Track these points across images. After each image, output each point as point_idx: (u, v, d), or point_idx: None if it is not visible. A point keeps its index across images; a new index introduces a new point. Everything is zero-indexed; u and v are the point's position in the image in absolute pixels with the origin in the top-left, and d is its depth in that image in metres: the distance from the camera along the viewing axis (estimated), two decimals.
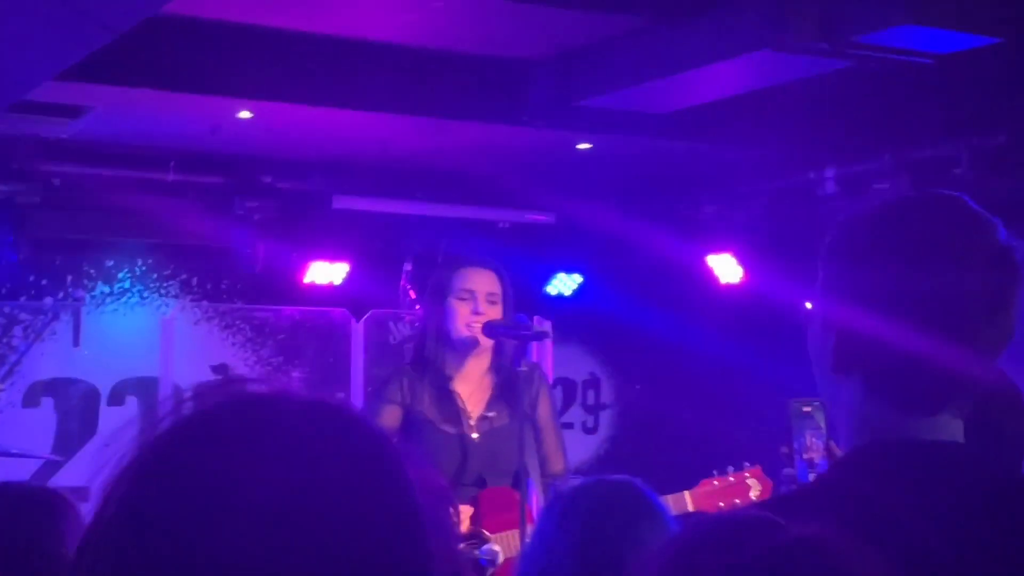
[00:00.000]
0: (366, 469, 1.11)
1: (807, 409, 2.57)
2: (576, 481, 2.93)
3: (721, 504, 4.87)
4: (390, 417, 4.86)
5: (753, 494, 4.91)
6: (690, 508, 4.81)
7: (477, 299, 4.86)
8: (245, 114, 6.66)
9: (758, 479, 4.95)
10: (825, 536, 1.22)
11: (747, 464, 4.98)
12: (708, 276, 8.29)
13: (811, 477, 2.58)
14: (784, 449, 2.59)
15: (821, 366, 1.85)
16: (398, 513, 1.11)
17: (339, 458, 1.10)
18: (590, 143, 7.36)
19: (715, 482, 4.91)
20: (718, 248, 8.19)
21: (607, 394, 9.69)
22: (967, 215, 1.79)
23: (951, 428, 1.76)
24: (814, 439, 2.52)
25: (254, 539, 1.04)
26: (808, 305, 1.88)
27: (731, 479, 4.93)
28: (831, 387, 1.84)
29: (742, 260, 8.15)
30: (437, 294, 4.95)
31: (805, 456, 2.52)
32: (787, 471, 2.65)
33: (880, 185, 6.99)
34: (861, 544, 1.22)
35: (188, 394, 1.14)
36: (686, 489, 4.85)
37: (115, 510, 1.09)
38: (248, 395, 1.14)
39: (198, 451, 1.09)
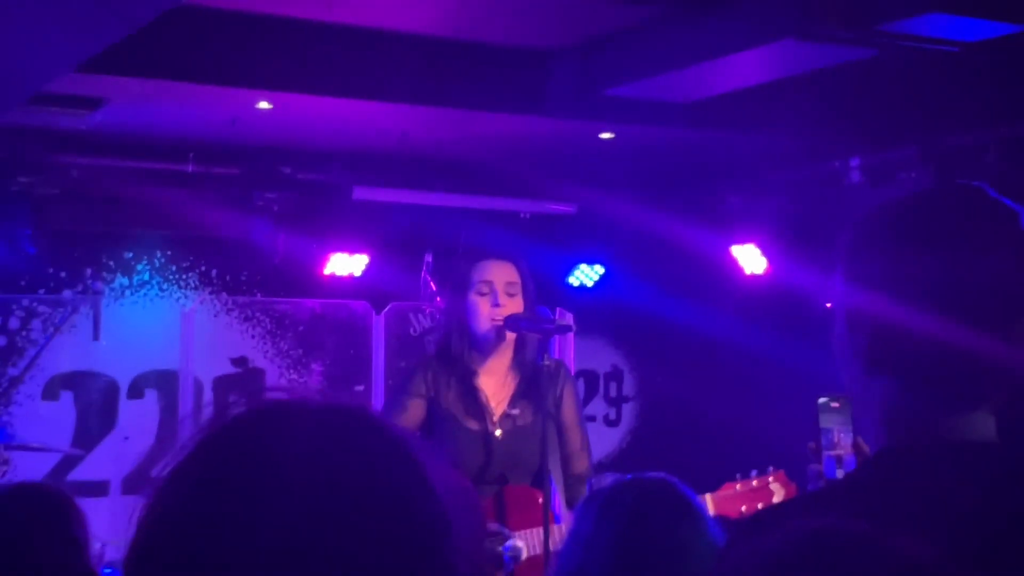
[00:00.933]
0: (390, 473, 1.15)
1: (835, 405, 2.52)
2: (612, 479, 2.88)
3: (743, 508, 4.81)
4: (415, 410, 4.83)
5: (776, 499, 4.84)
6: (712, 511, 4.75)
7: (496, 292, 4.82)
8: (264, 105, 6.61)
9: (782, 483, 4.88)
10: (932, 557, 1.20)
11: (771, 468, 4.92)
12: (732, 267, 8.23)
13: (839, 474, 2.53)
14: (811, 445, 2.53)
15: (850, 364, 1.80)
16: (423, 515, 1.14)
17: (364, 463, 1.15)
18: (612, 133, 7.29)
19: (737, 486, 4.85)
20: (742, 238, 8.13)
21: (629, 386, 9.64)
22: (991, 205, 1.76)
23: (985, 424, 1.71)
24: (841, 435, 2.47)
25: (283, 543, 1.08)
26: (828, 305, 1.83)
27: (754, 483, 4.86)
28: (861, 384, 1.79)
29: (766, 251, 8.09)
30: (457, 288, 4.91)
31: (832, 453, 2.47)
32: (814, 467, 2.59)
33: (906, 174, 6.92)
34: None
35: (226, 405, 1.21)
36: (708, 492, 4.80)
37: (158, 516, 1.15)
38: (271, 404, 1.21)
39: (228, 461, 1.15)
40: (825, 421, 2.50)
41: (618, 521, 2.63)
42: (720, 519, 4.74)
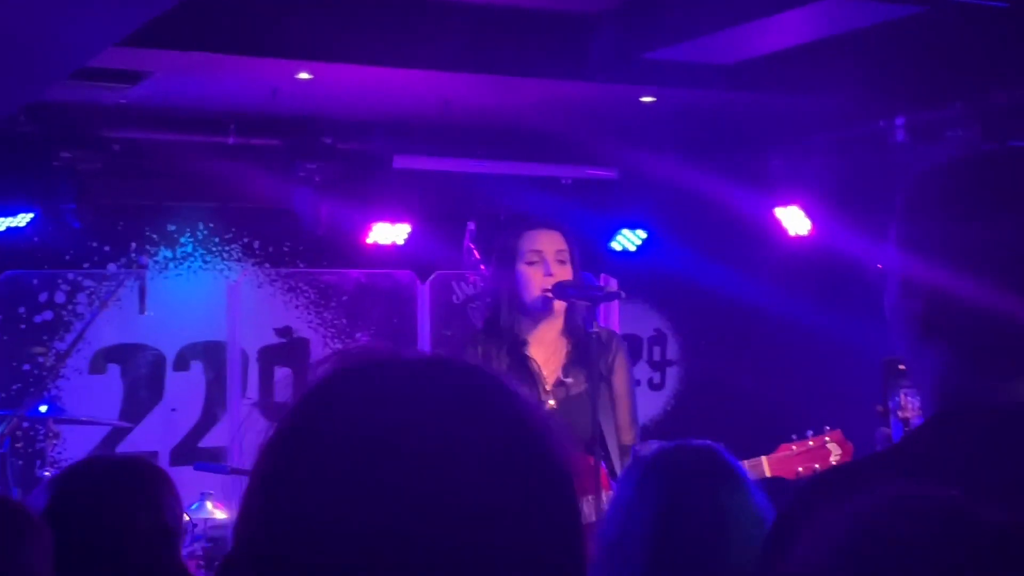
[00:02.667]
0: (510, 427, 1.13)
1: (902, 367, 2.47)
2: (656, 446, 2.86)
3: (800, 469, 4.77)
4: None
5: (833, 459, 4.81)
6: (767, 474, 4.73)
7: (547, 261, 4.78)
8: (304, 75, 6.60)
9: (838, 443, 4.84)
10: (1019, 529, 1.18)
11: (827, 428, 4.88)
12: (776, 229, 8.17)
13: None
14: (879, 408, 2.51)
15: (904, 330, 1.76)
16: (551, 471, 1.13)
17: (483, 419, 1.13)
18: (654, 96, 7.25)
19: (793, 447, 4.81)
20: (785, 200, 8.07)
21: (673, 350, 9.62)
22: None
23: None
24: (908, 398, 2.44)
25: (400, 497, 1.06)
26: (879, 266, 1.80)
27: (811, 443, 4.82)
28: (915, 350, 1.76)
29: (810, 212, 8.03)
30: (505, 259, 4.87)
31: (900, 415, 2.45)
32: (882, 430, 2.57)
33: (952, 133, 6.84)
34: None
35: (330, 359, 1.17)
36: (763, 454, 4.77)
37: (270, 472, 1.13)
38: (373, 360, 1.17)
39: (343, 414, 1.12)
40: (892, 383, 2.47)
41: (661, 488, 2.61)
42: (776, 481, 4.72)
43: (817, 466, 4.77)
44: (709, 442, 2.78)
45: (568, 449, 1.17)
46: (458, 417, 1.12)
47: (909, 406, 2.41)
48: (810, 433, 4.85)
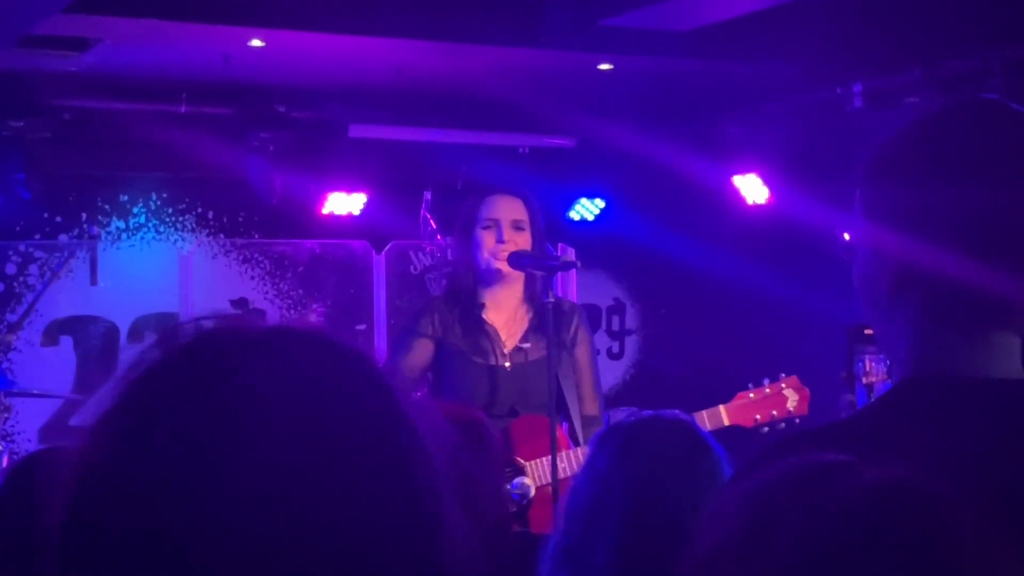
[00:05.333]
0: (354, 393, 1.08)
1: (868, 332, 2.45)
2: (628, 414, 2.85)
3: (758, 417, 4.80)
4: (422, 350, 4.82)
5: (791, 405, 4.83)
6: (726, 422, 4.75)
7: (502, 227, 4.79)
8: (257, 43, 6.52)
9: (795, 389, 4.87)
10: (912, 479, 1.15)
11: (783, 375, 4.89)
12: (734, 197, 8.16)
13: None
14: (843, 374, 2.49)
15: (873, 295, 1.75)
16: (391, 440, 1.07)
17: (333, 386, 1.07)
18: (611, 64, 7.19)
19: (751, 395, 4.84)
20: (744, 168, 8.05)
21: (632, 319, 9.61)
22: (1012, 120, 1.71)
23: (1009, 352, 1.67)
24: (873, 363, 2.41)
25: (246, 472, 1.01)
26: (846, 236, 1.78)
27: (767, 390, 4.85)
28: (884, 316, 1.74)
29: (768, 180, 8.02)
30: (464, 225, 4.89)
31: (864, 380, 2.43)
32: (846, 396, 2.55)
33: (910, 99, 6.83)
34: (947, 485, 1.16)
35: (164, 335, 1.12)
36: (721, 403, 4.78)
37: (106, 450, 1.06)
38: (216, 330, 1.11)
39: (183, 387, 1.07)
40: (857, 349, 2.44)
41: (637, 461, 2.61)
42: (735, 429, 4.73)
43: (775, 412, 4.80)
44: (680, 413, 2.78)
45: (432, 417, 1.12)
46: (305, 390, 1.06)
47: (873, 371, 2.39)
48: (766, 380, 4.87)
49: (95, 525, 1.04)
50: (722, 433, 4.61)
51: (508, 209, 4.84)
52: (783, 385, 4.89)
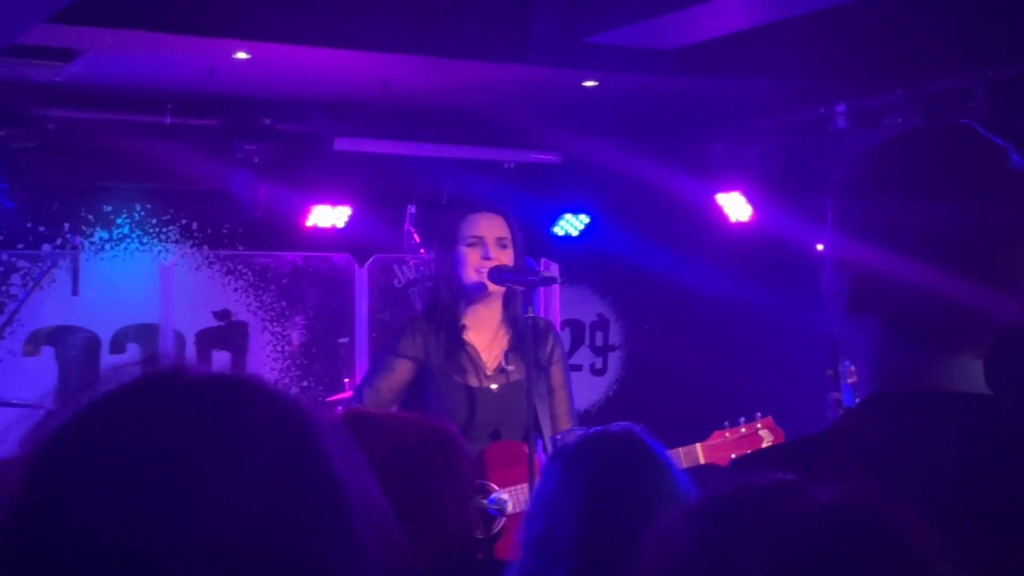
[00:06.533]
0: (273, 439, 1.10)
1: None
2: (576, 435, 2.84)
3: (733, 456, 4.81)
4: (403, 371, 4.79)
5: (765, 445, 4.86)
6: (702, 461, 4.78)
7: (487, 244, 4.79)
8: (242, 55, 6.52)
9: (770, 430, 4.92)
10: (867, 498, 1.16)
11: (759, 415, 4.93)
12: (717, 215, 8.18)
13: (857, 401, 2.53)
14: (829, 372, 2.50)
15: (837, 308, 1.79)
16: (311, 483, 1.10)
17: (244, 429, 1.10)
18: (596, 80, 7.21)
19: (727, 434, 4.87)
20: (727, 186, 8.08)
21: (615, 335, 9.62)
22: (978, 143, 1.74)
23: (971, 369, 1.71)
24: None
25: (158, 515, 1.04)
26: (819, 247, 1.82)
27: (743, 430, 4.89)
28: (847, 329, 1.78)
29: (751, 198, 8.04)
30: (446, 241, 4.88)
31: (850, 380, 2.45)
32: (832, 395, 2.57)
33: (893, 119, 6.85)
34: (901, 504, 1.17)
35: (99, 379, 1.15)
36: (698, 441, 4.80)
37: (27, 487, 1.09)
38: (148, 375, 1.15)
39: (95, 438, 1.10)
40: (841, 348, 2.46)
41: (582, 480, 2.58)
42: (712, 469, 4.75)
43: (750, 452, 4.81)
44: (629, 425, 2.76)
45: (355, 459, 1.15)
46: (213, 434, 1.09)
47: (857, 371, 2.41)
48: (742, 420, 4.91)
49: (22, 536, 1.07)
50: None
51: (492, 227, 4.84)
52: (759, 425, 4.94)
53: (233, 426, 1.10)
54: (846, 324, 1.77)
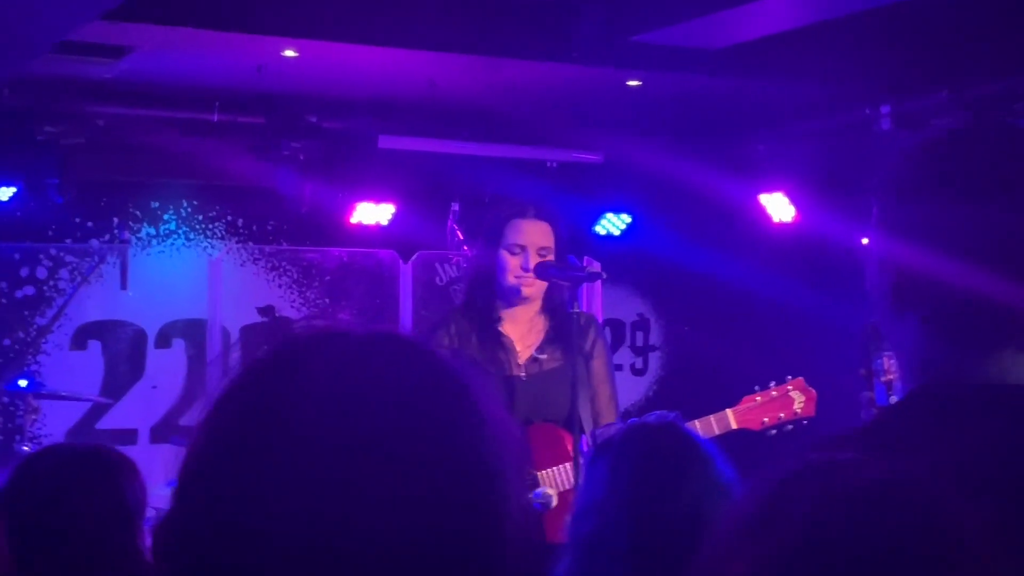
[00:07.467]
0: (438, 402, 1.14)
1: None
2: (616, 429, 2.85)
3: (765, 419, 4.82)
4: None
5: (797, 406, 4.85)
6: (733, 426, 4.77)
7: (528, 254, 4.79)
8: (290, 53, 6.57)
9: (801, 390, 4.89)
10: (915, 478, 1.20)
11: (789, 376, 4.90)
12: (760, 215, 8.18)
13: (891, 400, 2.51)
14: (862, 371, 2.50)
15: (881, 305, 1.81)
16: (473, 448, 1.13)
17: (410, 390, 1.13)
18: (640, 80, 7.22)
19: (757, 398, 4.85)
20: (770, 187, 8.07)
21: (656, 335, 9.62)
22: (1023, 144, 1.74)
23: (1016, 364, 1.71)
24: (891, 360, 2.43)
25: (325, 473, 1.07)
26: (864, 241, 1.84)
27: (773, 393, 4.87)
28: (891, 326, 1.80)
29: (794, 199, 8.03)
30: (489, 241, 4.88)
31: (883, 379, 2.45)
32: (865, 393, 2.58)
33: (937, 121, 6.84)
34: (947, 487, 1.20)
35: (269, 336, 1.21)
36: (728, 407, 4.79)
37: (204, 446, 1.15)
38: (312, 335, 1.21)
39: (268, 393, 1.15)
40: (875, 347, 2.46)
41: (628, 480, 2.60)
42: (742, 432, 4.74)
43: (782, 415, 4.81)
44: (664, 414, 2.77)
45: (510, 430, 1.18)
46: (401, 393, 1.13)
47: (892, 369, 2.41)
48: (772, 383, 4.88)
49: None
50: (730, 435, 4.65)
51: (536, 234, 4.83)
52: (789, 387, 4.90)
53: (403, 386, 1.14)
54: (890, 321, 1.79)
